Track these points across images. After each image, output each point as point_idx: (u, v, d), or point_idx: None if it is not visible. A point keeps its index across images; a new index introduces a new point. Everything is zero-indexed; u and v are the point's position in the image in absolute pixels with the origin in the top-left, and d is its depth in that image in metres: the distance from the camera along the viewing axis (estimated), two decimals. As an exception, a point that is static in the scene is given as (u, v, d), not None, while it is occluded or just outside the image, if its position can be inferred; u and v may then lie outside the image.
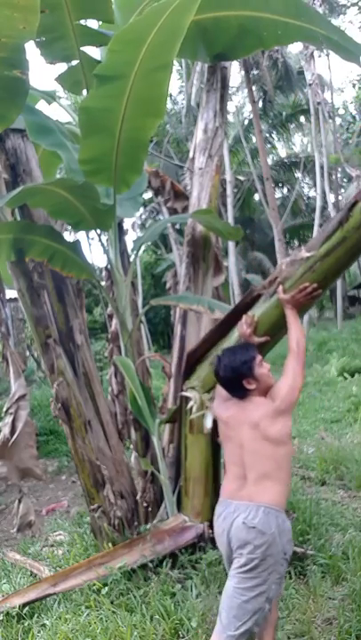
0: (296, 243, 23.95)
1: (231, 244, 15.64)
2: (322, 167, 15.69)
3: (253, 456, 2.23)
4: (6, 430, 3.70)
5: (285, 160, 20.78)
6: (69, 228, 4.46)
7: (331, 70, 29.42)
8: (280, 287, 2.64)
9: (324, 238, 2.65)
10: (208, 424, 3.19)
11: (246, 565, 2.12)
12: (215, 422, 2.97)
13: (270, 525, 2.12)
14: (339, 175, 20.01)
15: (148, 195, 12.35)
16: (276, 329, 2.76)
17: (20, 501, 3.85)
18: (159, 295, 14.93)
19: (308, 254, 2.69)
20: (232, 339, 3.08)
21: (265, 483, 2.19)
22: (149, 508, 3.73)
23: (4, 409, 3.80)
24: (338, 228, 2.59)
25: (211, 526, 3.34)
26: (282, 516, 2.18)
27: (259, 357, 2.33)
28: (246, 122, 18.70)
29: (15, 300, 4.12)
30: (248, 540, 2.12)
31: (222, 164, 4.61)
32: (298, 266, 2.70)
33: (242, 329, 2.74)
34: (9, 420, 3.73)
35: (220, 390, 2.49)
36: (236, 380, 2.29)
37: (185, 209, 4.45)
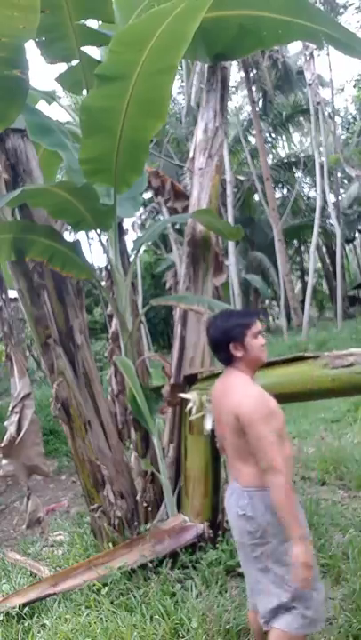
0: (296, 243, 23.96)
1: (231, 244, 15.65)
2: (322, 167, 15.68)
3: None
4: (12, 429, 3.70)
5: (285, 160, 20.79)
6: (69, 227, 4.45)
7: (331, 70, 29.43)
8: None
9: None
10: (208, 425, 3.19)
11: None
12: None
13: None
14: (339, 175, 19.98)
15: (148, 195, 12.34)
16: None
17: (28, 498, 3.85)
18: (159, 295, 14.92)
19: None
20: None
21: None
22: (149, 508, 3.73)
23: (10, 408, 3.79)
24: None
25: (211, 526, 3.35)
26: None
27: (257, 327, 2.10)
28: (246, 122, 18.70)
29: (15, 300, 4.12)
30: None
31: (222, 164, 4.60)
32: None
33: None
34: (15, 418, 3.73)
35: None
36: (224, 344, 2.09)
37: (185, 209, 4.44)
